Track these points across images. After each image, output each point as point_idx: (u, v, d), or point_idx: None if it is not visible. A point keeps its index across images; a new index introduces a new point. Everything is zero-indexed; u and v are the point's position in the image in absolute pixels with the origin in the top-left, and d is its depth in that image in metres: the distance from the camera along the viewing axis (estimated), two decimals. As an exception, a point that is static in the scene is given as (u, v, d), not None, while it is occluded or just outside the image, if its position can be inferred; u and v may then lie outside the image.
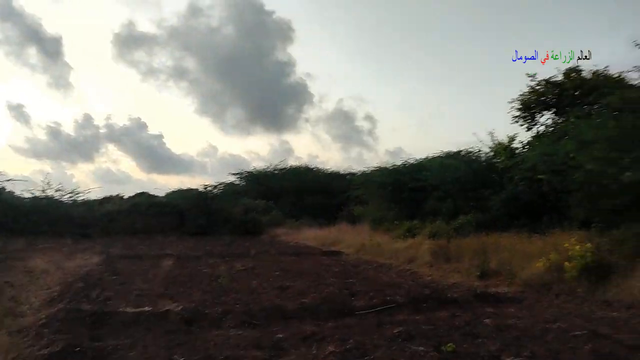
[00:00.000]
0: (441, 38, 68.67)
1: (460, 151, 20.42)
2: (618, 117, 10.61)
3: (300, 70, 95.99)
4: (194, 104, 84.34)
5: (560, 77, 17.08)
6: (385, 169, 23.80)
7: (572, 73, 16.85)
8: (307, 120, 77.10)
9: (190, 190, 32.73)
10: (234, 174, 40.46)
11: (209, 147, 78.54)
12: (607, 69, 16.49)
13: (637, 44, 10.10)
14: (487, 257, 11.68)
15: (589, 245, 9.47)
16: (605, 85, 13.64)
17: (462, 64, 69.45)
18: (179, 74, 69.37)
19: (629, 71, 11.48)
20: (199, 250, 18.81)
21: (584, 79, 16.54)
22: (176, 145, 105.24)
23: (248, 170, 40.61)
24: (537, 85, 17.43)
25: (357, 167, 46.50)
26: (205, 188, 31.97)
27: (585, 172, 10.76)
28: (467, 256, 12.57)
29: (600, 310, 7.73)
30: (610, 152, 10.08)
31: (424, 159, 22.08)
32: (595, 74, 16.48)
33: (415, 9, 68.67)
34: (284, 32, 72.78)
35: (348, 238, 20.95)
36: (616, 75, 15.69)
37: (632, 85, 11.54)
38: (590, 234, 10.81)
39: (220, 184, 36.90)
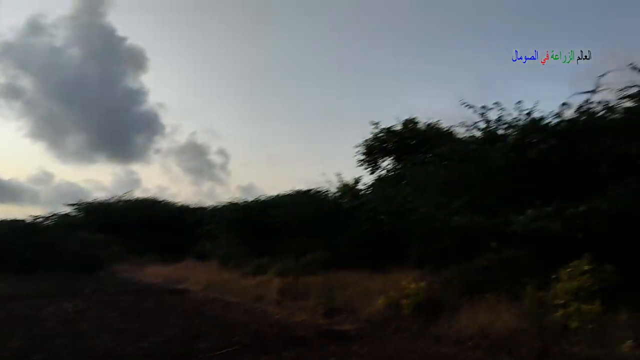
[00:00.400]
0: (293, 78, 71.10)
1: (310, 190, 21.06)
2: (447, 166, 11.78)
3: (153, 100, 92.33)
4: (28, 127, 76.35)
5: (399, 127, 18.72)
6: (237, 204, 23.62)
7: (410, 124, 18.60)
8: (157, 151, 74.00)
9: (16, 221, 29.07)
10: (70, 205, 36.91)
11: (43, 174, 70.93)
12: (439, 122, 18.51)
13: (463, 103, 11.39)
14: (333, 294, 12.03)
15: (422, 283, 10.23)
16: (436, 137, 15.19)
17: (313, 105, 72.40)
18: (11, 93, 62.36)
19: (456, 125, 12.88)
20: (22, 290, 16.66)
21: (419, 130, 18.32)
22: (3, 170, 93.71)
23: (88, 201, 37.38)
24: (380, 132, 18.89)
25: (208, 202, 45.46)
26: (35, 219, 28.67)
27: (419, 215, 11.70)
28: (314, 294, 12.82)
29: (432, 346, 8.31)
30: (441, 197, 11.12)
31: (276, 196, 22.36)
32: (429, 126, 18.41)
33: (270, 47, 70.54)
34: (137, 59, 69.92)
35: (196, 275, 20.23)
36: (446, 128, 17.63)
37: (459, 139, 12.95)
38: (424, 272, 11.72)
39: (53, 215, 33.42)
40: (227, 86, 77.11)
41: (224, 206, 25.24)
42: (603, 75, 9.94)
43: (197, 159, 68.67)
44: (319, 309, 11.75)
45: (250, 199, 23.67)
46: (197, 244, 28.12)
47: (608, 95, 10.16)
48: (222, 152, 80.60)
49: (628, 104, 10.19)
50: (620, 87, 10.03)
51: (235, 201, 24.13)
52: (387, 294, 10.69)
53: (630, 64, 9.81)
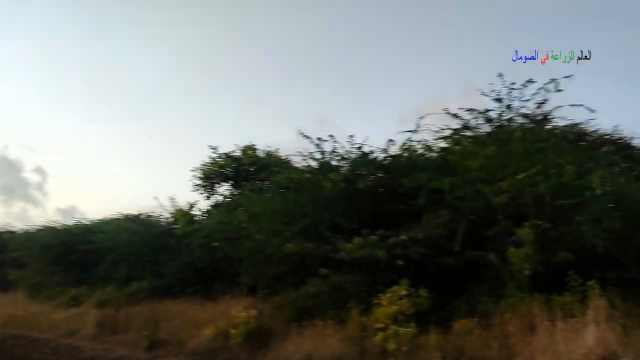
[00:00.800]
0: (125, 93, 66.45)
1: (140, 214, 19.85)
2: (284, 194, 11.95)
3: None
4: None
5: (238, 153, 18.65)
6: (54, 228, 21.37)
7: (249, 150, 18.64)
8: (-43, 166, 63.69)
9: None
10: None
11: None
12: (278, 150, 18.85)
13: (301, 133, 11.74)
14: (158, 325, 11.37)
15: (253, 311, 10.13)
16: (275, 165, 15.39)
17: (147, 124, 68.04)
18: None
19: (294, 155, 13.16)
20: None
21: (258, 157, 18.44)
22: None
23: None
24: (219, 157, 18.61)
25: (19, 225, 40.07)
26: None
27: (253, 241, 11.63)
28: (137, 325, 12.01)
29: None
30: (276, 224, 11.20)
31: (100, 220, 20.69)
32: (268, 154, 18.64)
33: (101, 56, 65.60)
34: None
35: (-5, 309, 17.59)
36: (285, 157, 17.96)
37: (296, 168, 13.23)
38: (256, 300, 11.62)
39: None
40: (49, 97, 69.52)
41: (38, 230, 22.68)
42: (422, 117, 11.03)
43: (7, 176, 60.40)
44: (142, 342, 10.97)
45: (70, 222, 21.82)
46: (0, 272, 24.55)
47: (427, 135, 11.35)
48: (39, 170, 71.63)
49: (443, 144, 11.48)
50: (436, 129, 11.28)
51: (52, 225, 21.89)
52: (216, 324, 10.37)
53: (445, 109, 11.08)
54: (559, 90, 10.20)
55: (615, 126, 12.27)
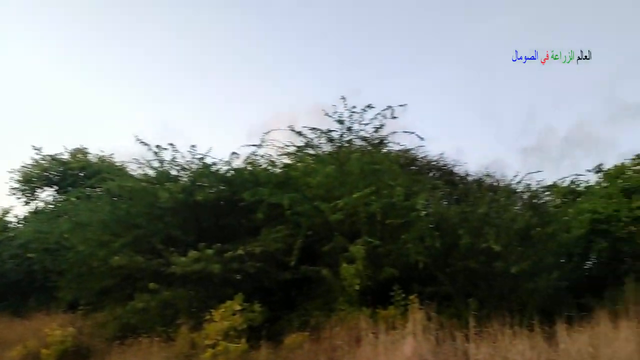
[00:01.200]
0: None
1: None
2: (115, 202, 11.02)
3: None
4: None
5: (67, 156, 17.03)
6: None
7: (79, 154, 17.11)
8: None
9: None
10: None
11: None
12: (113, 156, 17.55)
13: (139, 139, 10.98)
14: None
15: (71, 329, 9.21)
16: (107, 171, 14.24)
17: None
18: None
19: (130, 162, 12.29)
20: None
21: (89, 162, 16.98)
22: None
23: None
24: (42, 159, 16.81)
25: None
26: None
27: (76, 253, 10.60)
28: None
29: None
30: (103, 235, 10.29)
31: None
32: (101, 159, 17.25)
33: None
34: None
35: None
36: (120, 163, 16.75)
37: (131, 175, 12.35)
38: (75, 317, 10.58)
39: None
40: None
41: None
42: (268, 132, 11.09)
43: None
44: None
45: None
46: None
47: (272, 150, 11.42)
48: None
49: (286, 160, 11.62)
50: (281, 145, 11.41)
51: None
52: (25, 344, 9.20)
53: (290, 127, 11.27)
54: (394, 117, 10.97)
55: (441, 154, 13.52)
